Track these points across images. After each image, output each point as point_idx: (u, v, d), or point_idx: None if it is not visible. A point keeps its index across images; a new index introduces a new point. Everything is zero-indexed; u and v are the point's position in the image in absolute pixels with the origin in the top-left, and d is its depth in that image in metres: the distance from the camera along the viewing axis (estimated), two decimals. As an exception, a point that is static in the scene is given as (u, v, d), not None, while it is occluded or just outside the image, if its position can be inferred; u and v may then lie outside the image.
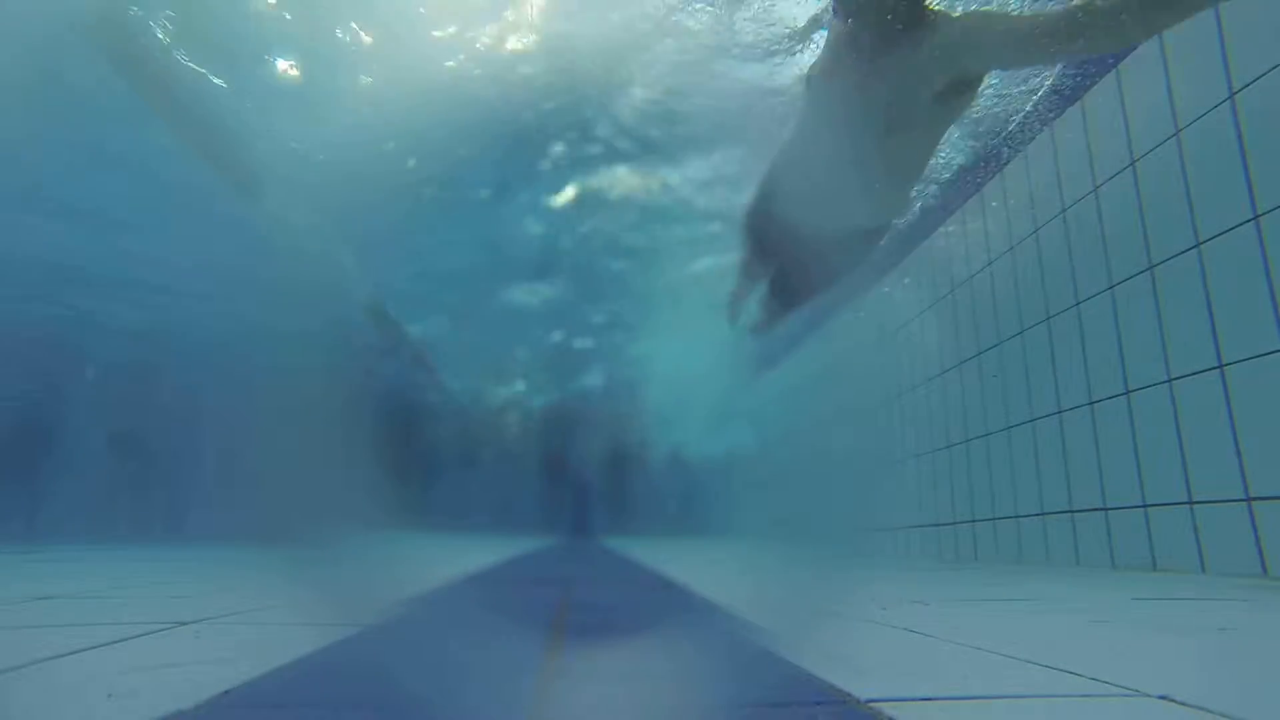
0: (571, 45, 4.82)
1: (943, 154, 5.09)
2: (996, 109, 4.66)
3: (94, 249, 8.13)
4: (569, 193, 6.64)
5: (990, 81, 4.25)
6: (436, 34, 4.74)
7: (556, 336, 10.20)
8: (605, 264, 8.06)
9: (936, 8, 3.01)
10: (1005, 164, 4.81)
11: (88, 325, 10.19)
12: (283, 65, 5.00)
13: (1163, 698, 0.99)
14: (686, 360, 10.33)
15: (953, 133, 4.70)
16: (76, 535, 10.52)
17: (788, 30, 4.23)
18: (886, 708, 0.95)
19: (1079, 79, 4.06)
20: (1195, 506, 3.22)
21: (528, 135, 5.83)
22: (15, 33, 4.80)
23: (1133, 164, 3.64)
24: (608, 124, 5.63)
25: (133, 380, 11.55)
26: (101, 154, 6.31)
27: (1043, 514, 4.29)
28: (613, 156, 6.05)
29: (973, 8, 3.68)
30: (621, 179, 6.34)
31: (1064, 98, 4.20)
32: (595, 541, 11.32)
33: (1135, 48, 3.64)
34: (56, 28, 4.73)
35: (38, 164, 6.54)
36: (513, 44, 4.84)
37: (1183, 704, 0.95)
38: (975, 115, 4.69)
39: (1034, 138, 4.50)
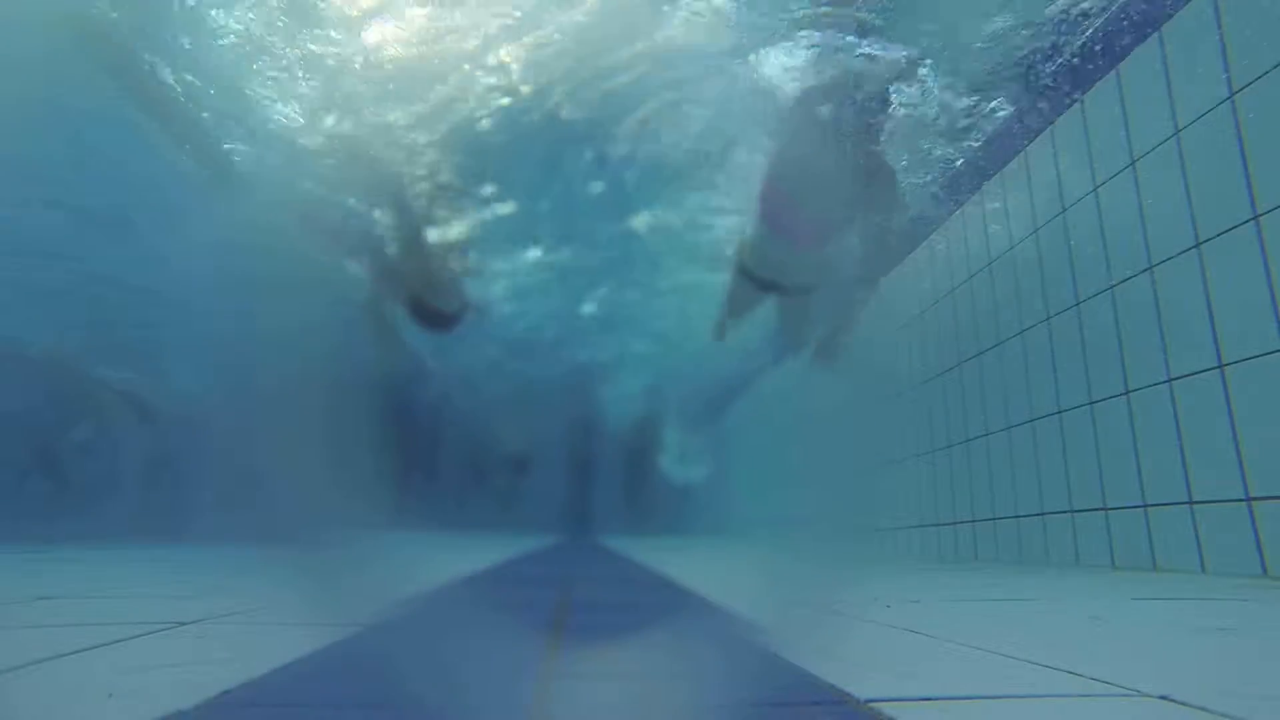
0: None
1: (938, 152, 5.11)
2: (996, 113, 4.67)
3: (89, 249, 8.13)
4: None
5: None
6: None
7: (553, 330, 10.08)
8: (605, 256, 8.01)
9: None
10: (1005, 163, 4.81)
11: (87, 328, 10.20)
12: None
13: (1163, 698, 0.99)
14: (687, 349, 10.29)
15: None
16: (77, 536, 10.52)
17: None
18: (886, 708, 0.95)
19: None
20: (1195, 506, 3.22)
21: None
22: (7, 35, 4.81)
23: (1132, 164, 3.64)
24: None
25: (135, 383, 11.54)
26: (95, 154, 6.31)
27: (1043, 514, 4.29)
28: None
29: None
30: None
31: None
32: (595, 540, 11.32)
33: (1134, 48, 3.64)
34: (44, 28, 4.73)
35: (30, 167, 6.55)
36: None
37: (1183, 704, 0.95)
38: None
39: (1034, 137, 4.50)
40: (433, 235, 6.90)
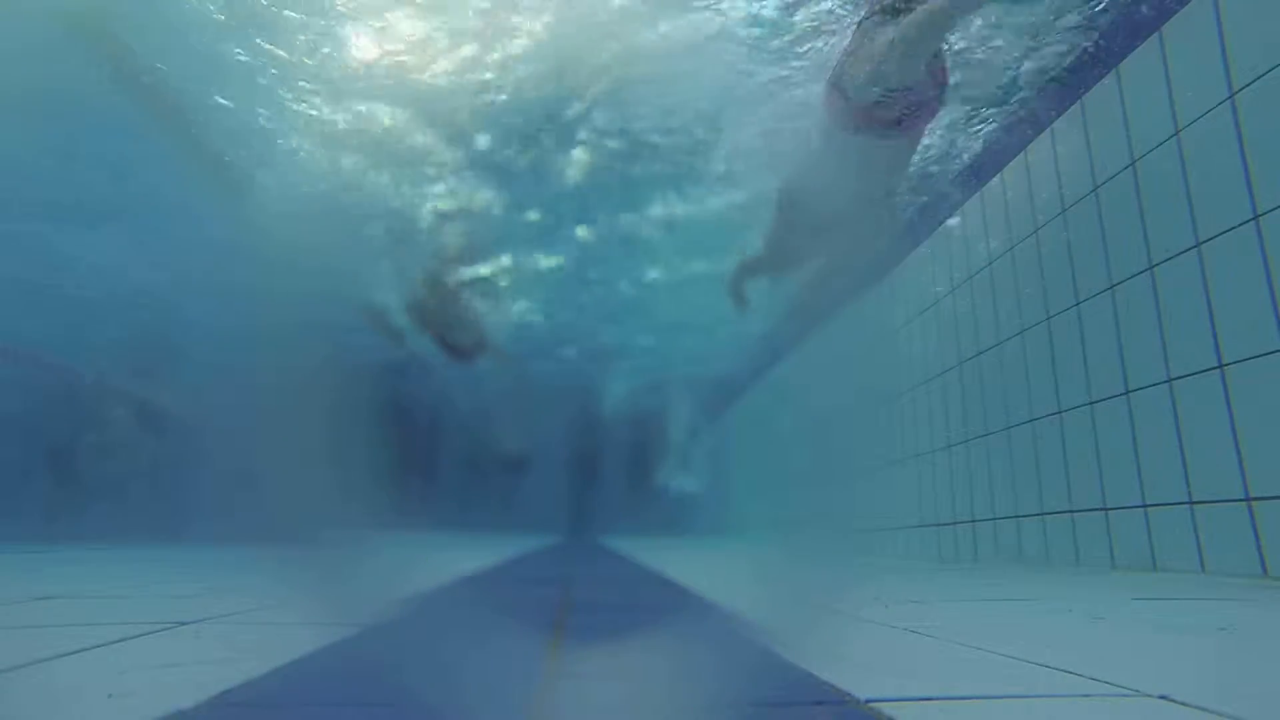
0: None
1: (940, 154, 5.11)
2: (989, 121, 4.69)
3: (86, 250, 8.14)
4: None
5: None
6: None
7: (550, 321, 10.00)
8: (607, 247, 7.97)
9: None
10: (1005, 162, 4.81)
11: (84, 330, 10.19)
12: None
13: (1163, 698, 0.99)
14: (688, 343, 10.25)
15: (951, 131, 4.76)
16: (79, 536, 10.53)
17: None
18: (886, 708, 0.95)
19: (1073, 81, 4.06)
20: (1195, 506, 3.22)
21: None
22: (8, 30, 4.79)
23: (1132, 164, 3.64)
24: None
25: (132, 384, 11.54)
26: (88, 156, 6.31)
27: (1042, 514, 4.29)
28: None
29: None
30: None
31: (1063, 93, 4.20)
32: (595, 540, 11.32)
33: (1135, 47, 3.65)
34: (46, 23, 4.71)
35: (26, 170, 6.54)
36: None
37: (1183, 704, 0.95)
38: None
39: (1034, 136, 4.50)
40: (455, 268, 6.99)
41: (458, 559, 4.89)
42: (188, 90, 5.25)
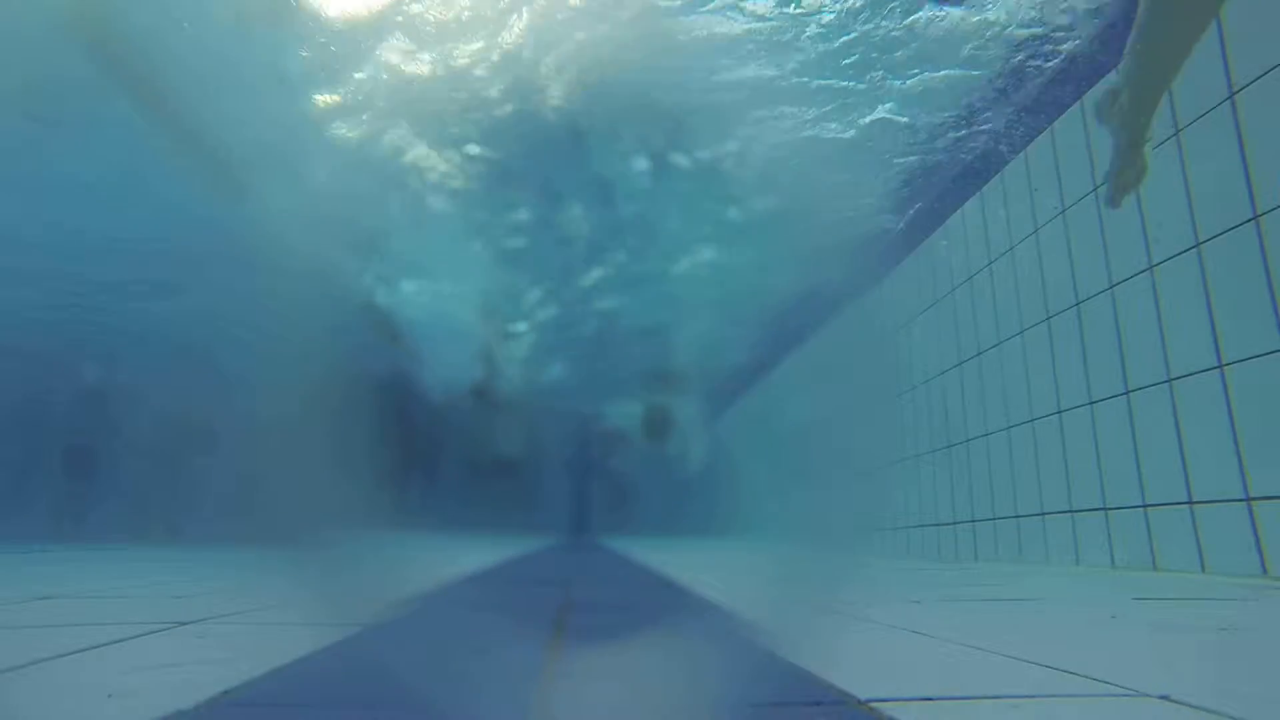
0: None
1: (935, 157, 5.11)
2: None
3: (85, 253, 8.14)
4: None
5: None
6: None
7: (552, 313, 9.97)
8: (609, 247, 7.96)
9: None
10: (1005, 163, 4.81)
11: (84, 331, 10.19)
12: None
13: (1163, 698, 0.99)
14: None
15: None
16: (79, 537, 10.54)
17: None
18: (886, 708, 0.95)
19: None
20: (1195, 506, 3.22)
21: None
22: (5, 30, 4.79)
23: (1133, 164, 3.64)
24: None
25: (134, 385, 11.55)
26: (88, 153, 6.31)
27: (1043, 514, 4.29)
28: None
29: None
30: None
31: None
32: (596, 541, 11.32)
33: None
34: (42, 22, 4.70)
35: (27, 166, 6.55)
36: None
37: (1183, 704, 0.95)
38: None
39: (1034, 137, 4.50)
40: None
41: (459, 559, 4.89)
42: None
